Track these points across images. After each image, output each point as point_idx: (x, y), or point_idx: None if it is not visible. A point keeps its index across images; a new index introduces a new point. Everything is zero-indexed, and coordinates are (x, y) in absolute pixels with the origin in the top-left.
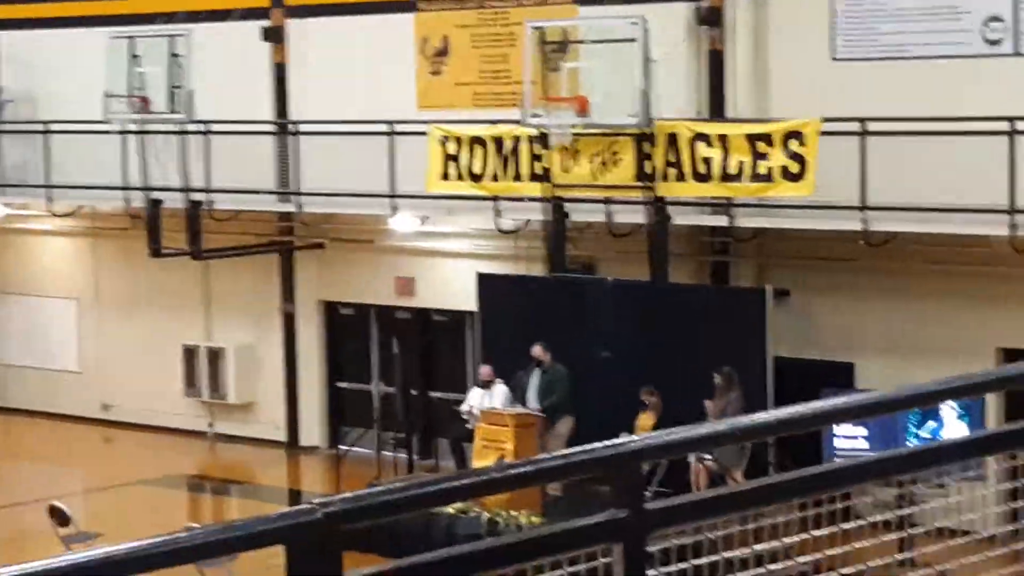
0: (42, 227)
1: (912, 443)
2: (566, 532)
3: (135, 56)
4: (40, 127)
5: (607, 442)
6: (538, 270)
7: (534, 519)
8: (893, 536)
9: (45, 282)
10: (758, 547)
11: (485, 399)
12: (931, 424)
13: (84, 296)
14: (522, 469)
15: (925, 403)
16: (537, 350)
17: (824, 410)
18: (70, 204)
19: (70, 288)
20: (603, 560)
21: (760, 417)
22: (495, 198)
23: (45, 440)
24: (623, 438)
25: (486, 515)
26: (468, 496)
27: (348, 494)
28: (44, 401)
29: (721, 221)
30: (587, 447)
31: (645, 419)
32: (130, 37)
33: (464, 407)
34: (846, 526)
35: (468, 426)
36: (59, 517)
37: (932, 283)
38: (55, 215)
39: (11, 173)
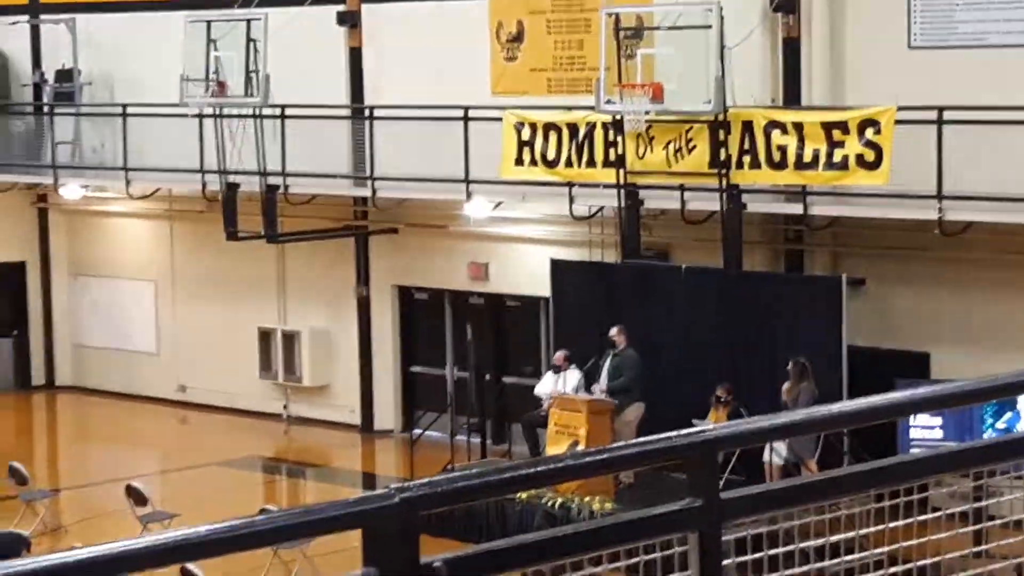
0: (120, 209)
1: (989, 434)
2: (643, 520)
3: (212, 40)
4: (118, 110)
5: (684, 430)
6: (611, 256)
7: (607, 505)
8: (969, 528)
9: (123, 264)
10: (833, 538)
11: (558, 384)
12: (1008, 415)
13: (161, 278)
14: (598, 456)
15: (1003, 395)
16: (614, 332)
17: (901, 401)
18: (147, 187)
19: (147, 270)
20: (678, 549)
21: (838, 407)
22: (569, 184)
23: (122, 421)
24: (699, 425)
25: (559, 500)
26: (544, 483)
27: (425, 480)
28: (121, 382)
29: (796, 209)
30: (664, 435)
31: (717, 416)
32: (207, 21)
33: (539, 390)
34: (922, 518)
35: (541, 412)
36: (136, 497)
37: (1008, 272)
38: (132, 197)
39: (89, 156)
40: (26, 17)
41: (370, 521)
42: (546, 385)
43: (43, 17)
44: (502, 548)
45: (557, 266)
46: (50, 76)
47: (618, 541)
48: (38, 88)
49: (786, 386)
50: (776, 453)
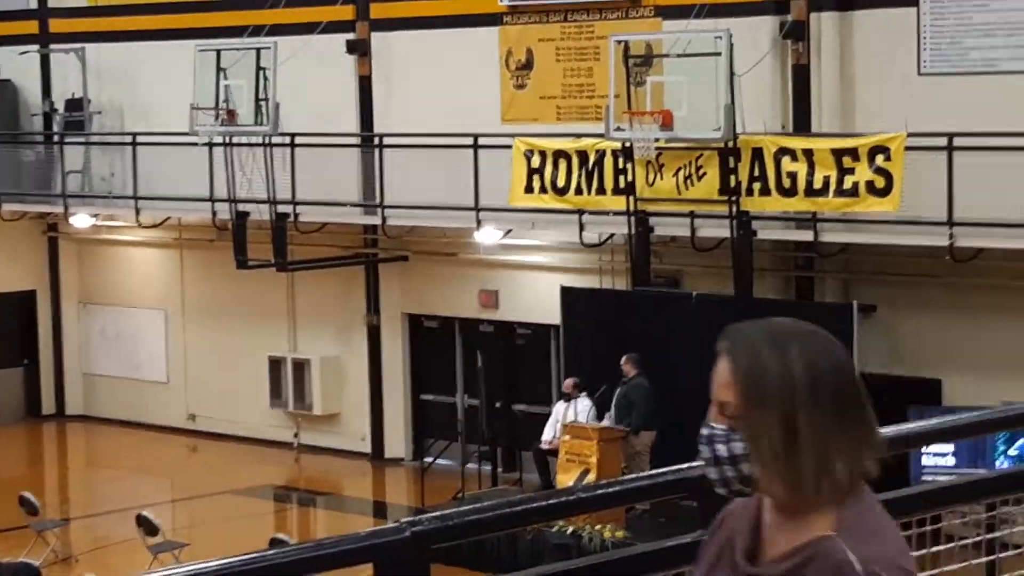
0: (129, 238)
1: (1001, 461)
2: (655, 552)
3: (221, 69)
4: (128, 139)
5: (695, 462)
6: (622, 284)
7: (618, 533)
8: (983, 559)
9: (133, 293)
10: None
11: (569, 412)
12: (1020, 442)
13: (171, 307)
14: (610, 489)
15: (1016, 425)
16: (623, 361)
17: (916, 432)
18: (157, 215)
19: (157, 299)
20: None
21: None
22: (579, 211)
23: (132, 450)
24: None
25: (570, 529)
26: (556, 516)
27: (436, 513)
28: (132, 411)
29: (806, 236)
30: (674, 468)
31: None
32: (217, 50)
33: (545, 436)
34: (935, 549)
35: (544, 445)
36: (147, 527)
37: (1019, 298)
38: (142, 226)
39: (99, 185)
40: (36, 47)
41: (382, 555)
42: (557, 412)
43: (52, 47)
44: None
45: (567, 293)
46: (60, 105)
47: (631, 573)
48: (48, 117)
49: None
50: None
